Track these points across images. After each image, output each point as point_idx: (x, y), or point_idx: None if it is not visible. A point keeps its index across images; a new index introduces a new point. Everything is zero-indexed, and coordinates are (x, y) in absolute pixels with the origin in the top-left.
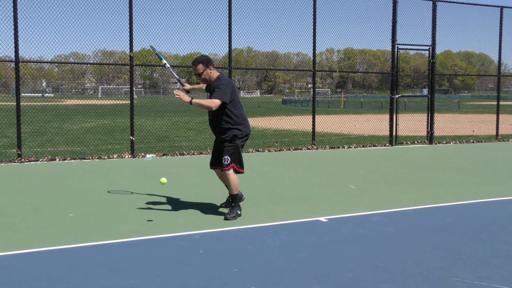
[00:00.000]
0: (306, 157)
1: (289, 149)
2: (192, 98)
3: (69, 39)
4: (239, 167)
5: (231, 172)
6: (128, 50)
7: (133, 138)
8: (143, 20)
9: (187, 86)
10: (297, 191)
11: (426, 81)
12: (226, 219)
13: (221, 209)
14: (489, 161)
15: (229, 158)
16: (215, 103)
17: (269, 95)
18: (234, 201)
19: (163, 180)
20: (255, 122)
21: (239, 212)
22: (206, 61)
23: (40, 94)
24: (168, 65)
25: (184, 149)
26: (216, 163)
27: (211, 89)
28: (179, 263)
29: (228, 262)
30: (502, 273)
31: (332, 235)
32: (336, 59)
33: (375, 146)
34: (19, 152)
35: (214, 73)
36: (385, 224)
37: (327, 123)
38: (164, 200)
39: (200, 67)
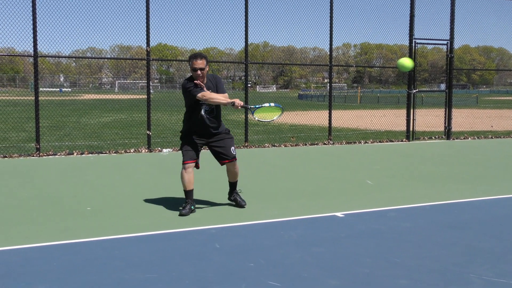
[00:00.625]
0: (322, 152)
1: (305, 144)
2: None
3: (86, 34)
4: None
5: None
6: (145, 44)
7: (150, 133)
8: (159, 15)
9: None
10: (313, 186)
11: (443, 76)
12: (243, 206)
13: (230, 203)
14: (507, 157)
15: (234, 149)
16: (227, 97)
17: (285, 90)
18: (236, 186)
19: None
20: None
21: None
22: (207, 59)
23: (58, 89)
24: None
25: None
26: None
27: (209, 87)
28: (196, 257)
29: (244, 257)
30: None
31: (349, 231)
32: (352, 53)
33: (392, 141)
34: (38, 146)
35: (206, 73)
36: (401, 220)
37: (344, 118)
38: (180, 194)
39: (203, 62)
